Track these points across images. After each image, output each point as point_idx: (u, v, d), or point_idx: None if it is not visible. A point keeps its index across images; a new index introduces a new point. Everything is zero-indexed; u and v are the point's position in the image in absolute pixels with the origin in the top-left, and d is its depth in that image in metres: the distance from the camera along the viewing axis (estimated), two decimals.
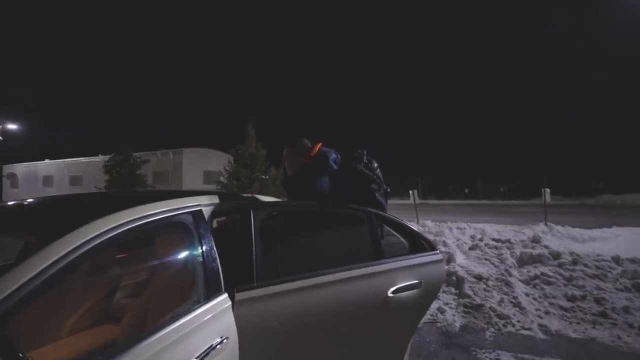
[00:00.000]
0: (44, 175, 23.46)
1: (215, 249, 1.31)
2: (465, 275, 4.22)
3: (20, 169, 24.79)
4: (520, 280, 4.15)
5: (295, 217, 1.81)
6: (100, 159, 18.59)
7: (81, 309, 1.45)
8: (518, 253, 5.03)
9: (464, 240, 6.18)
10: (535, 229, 7.16)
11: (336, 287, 1.52)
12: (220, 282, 1.27)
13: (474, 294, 3.77)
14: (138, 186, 13.44)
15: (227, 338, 1.16)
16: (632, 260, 4.37)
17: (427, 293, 1.84)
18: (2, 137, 19.48)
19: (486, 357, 2.63)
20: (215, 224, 1.65)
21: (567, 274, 4.15)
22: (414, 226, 4.58)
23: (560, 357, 2.60)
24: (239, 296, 1.26)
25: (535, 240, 5.82)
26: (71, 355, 1.15)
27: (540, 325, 3.15)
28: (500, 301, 3.60)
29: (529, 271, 4.39)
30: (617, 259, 4.44)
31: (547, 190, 8.49)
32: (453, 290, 4.01)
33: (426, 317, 3.24)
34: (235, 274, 1.32)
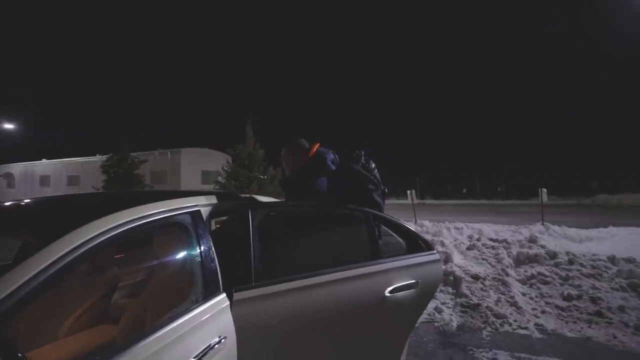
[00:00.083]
0: (41, 175, 23.34)
1: (213, 249, 1.32)
2: (463, 275, 4.24)
3: (17, 168, 24.66)
4: (517, 280, 4.17)
5: (293, 217, 1.81)
6: (97, 158, 18.53)
7: (80, 309, 1.45)
8: (515, 253, 5.06)
9: (461, 240, 6.20)
10: (532, 228, 7.19)
11: (334, 286, 1.53)
12: (219, 282, 1.27)
13: (471, 294, 3.79)
14: (136, 186, 13.37)
15: (225, 338, 1.16)
16: (628, 260, 4.41)
17: (424, 293, 1.85)
18: None
19: (483, 356, 2.65)
20: (213, 225, 1.65)
21: (563, 273, 4.17)
22: (412, 226, 4.58)
23: (557, 356, 2.62)
24: (237, 296, 1.27)
25: (532, 240, 5.84)
26: (70, 355, 1.15)
27: (536, 324, 3.17)
28: (497, 301, 3.62)
29: (525, 271, 4.42)
30: (612, 259, 4.47)
31: (544, 190, 8.52)
32: (450, 289, 4.03)
33: (423, 317, 3.26)
34: (233, 274, 1.33)
